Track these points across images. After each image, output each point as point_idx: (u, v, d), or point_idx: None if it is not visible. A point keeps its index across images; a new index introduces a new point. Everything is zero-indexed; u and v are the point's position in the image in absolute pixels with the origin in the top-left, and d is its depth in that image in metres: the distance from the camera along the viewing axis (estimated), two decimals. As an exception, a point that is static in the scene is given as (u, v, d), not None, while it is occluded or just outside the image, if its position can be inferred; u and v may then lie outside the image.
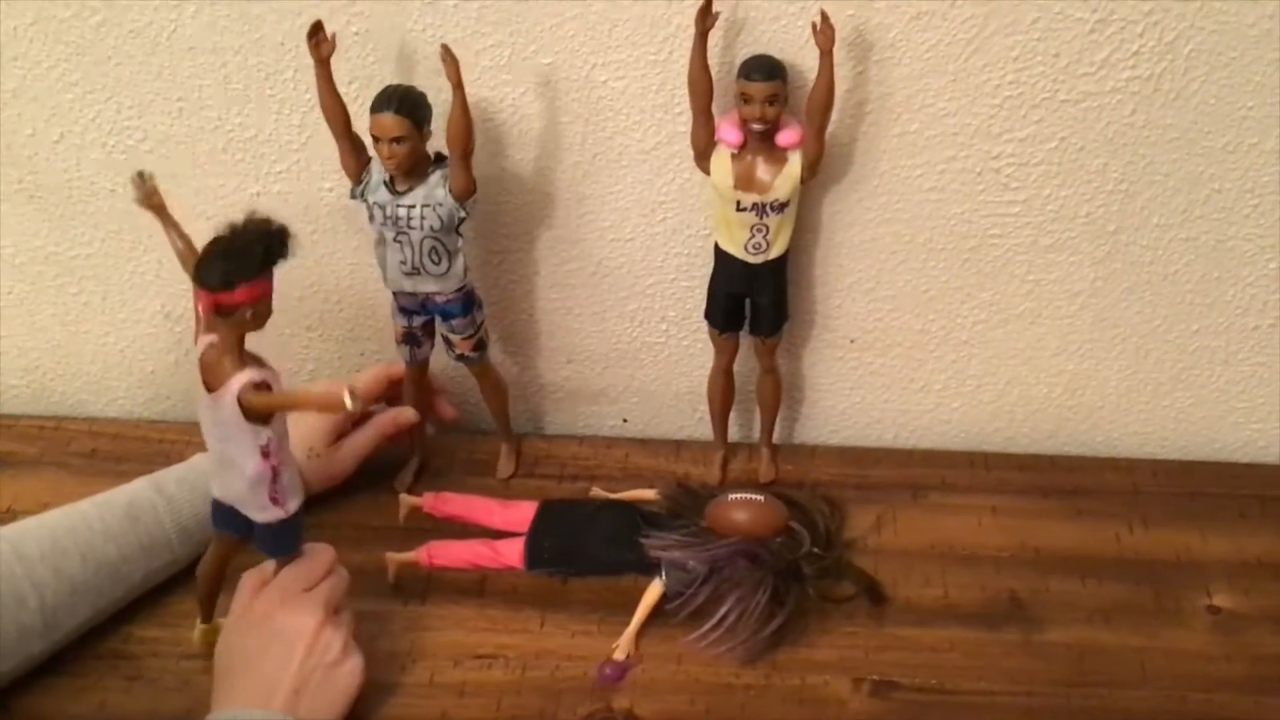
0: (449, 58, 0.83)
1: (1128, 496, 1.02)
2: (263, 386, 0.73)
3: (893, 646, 0.90)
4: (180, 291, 1.06)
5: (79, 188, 1.01)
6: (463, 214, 0.90)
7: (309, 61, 0.91)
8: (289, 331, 1.08)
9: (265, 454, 0.76)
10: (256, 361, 0.75)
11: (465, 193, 0.89)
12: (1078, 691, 0.87)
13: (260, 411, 0.73)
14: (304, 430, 0.95)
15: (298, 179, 0.99)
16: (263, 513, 0.79)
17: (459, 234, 0.91)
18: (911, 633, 0.91)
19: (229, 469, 0.77)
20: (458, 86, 0.85)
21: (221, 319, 0.72)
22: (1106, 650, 0.90)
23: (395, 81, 0.89)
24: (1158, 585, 0.95)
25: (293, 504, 0.79)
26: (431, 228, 0.89)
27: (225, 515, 0.81)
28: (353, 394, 0.68)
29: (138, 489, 0.91)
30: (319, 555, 0.85)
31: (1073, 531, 0.99)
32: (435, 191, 0.89)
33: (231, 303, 0.71)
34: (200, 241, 0.73)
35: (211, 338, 0.74)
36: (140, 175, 0.74)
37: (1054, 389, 1.07)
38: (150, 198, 0.75)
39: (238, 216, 0.72)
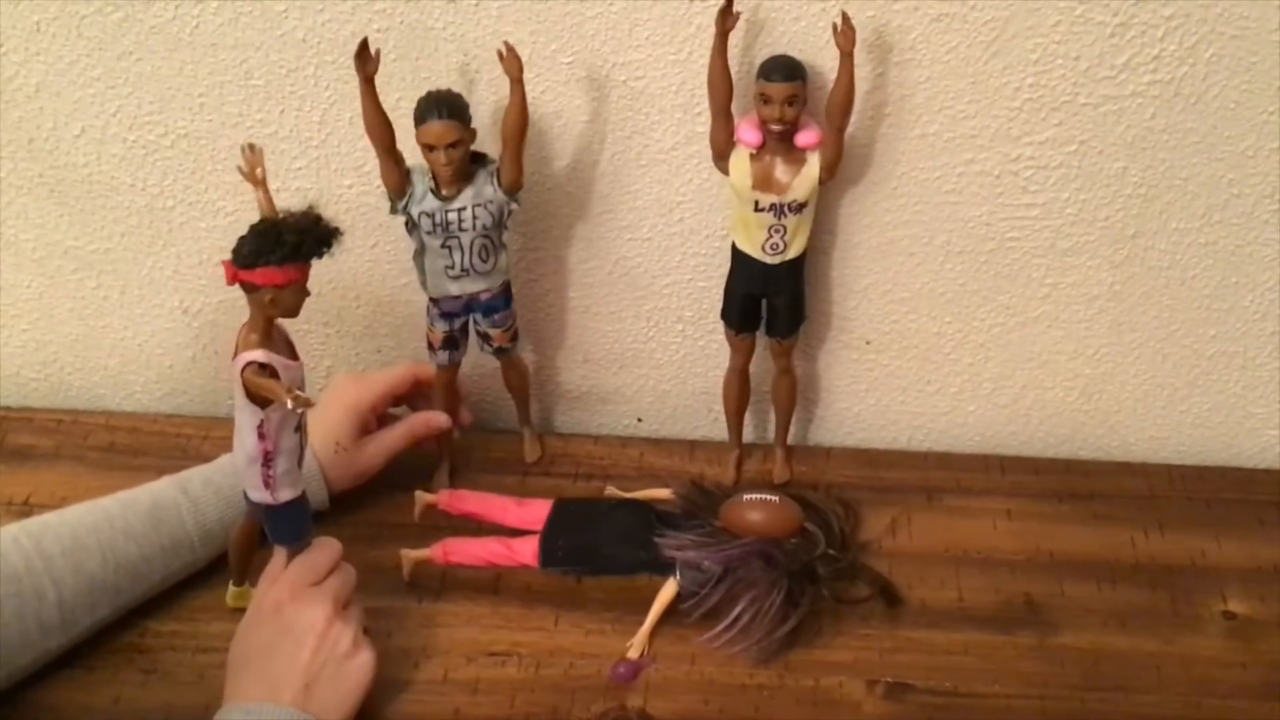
0: (511, 55, 0.85)
1: (1143, 501, 1.02)
2: (266, 369, 0.74)
3: (907, 649, 0.90)
4: (199, 287, 1.06)
5: (99, 182, 1.01)
6: (513, 206, 0.91)
7: (330, 58, 0.92)
8: (306, 326, 1.08)
9: (261, 435, 0.77)
10: (286, 347, 0.77)
11: (516, 185, 0.90)
12: (1092, 696, 0.87)
13: (254, 392, 0.75)
14: (329, 424, 0.95)
15: (317, 176, 0.99)
16: (254, 491, 0.80)
17: (506, 227, 0.92)
18: (926, 635, 0.91)
19: (237, 437, 0.78)
20: (517, 82, 0.86)
21: (246, 295, 0.73)
22: (1121, 655, 0.89)
23: (416, 78, 0.89)
24: (1173, 590, 0.94)
25: (283, 494, 0.80)
26: (484, 226, 0.90)
27: None
28: (290, 395, 0.71)
29: (162, 489, 0.91)
30: (324, 549, 0.85)
31: (1088, 536, 0.99)
32: (484, 190, 0.89)
33: (250, 281, 0.73)
34: None
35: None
36: (250, 148, 0.76)
37: (1070, 393, 1.06)
38: (254, 171, 0.76)
39: (299, 205, 0.74)
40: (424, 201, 0.89)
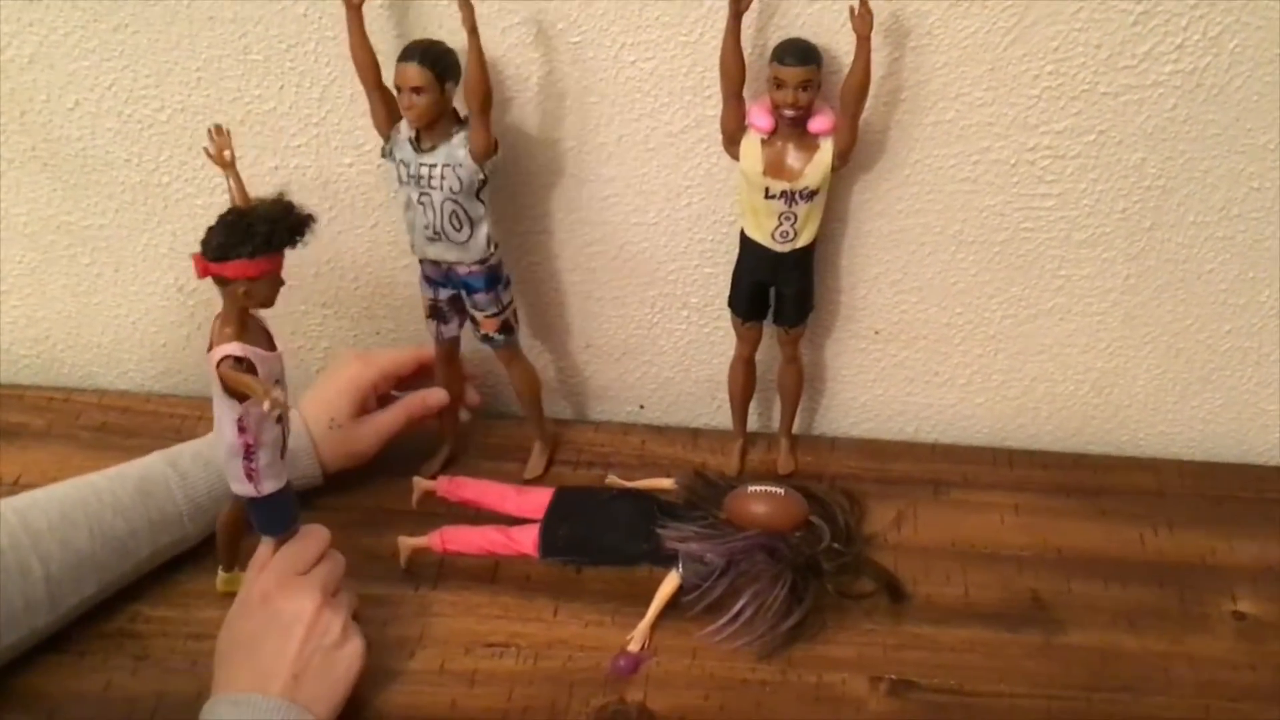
0: (465, 2, 0.82)
1: (1153, 498, 1.01)
2: (242, 363, 0.73)
3: (911, 645, 0.89)
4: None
5: (94, 157, 0.99)
6: (481, 176, 0.88)
7: (330, 34, 0.91)
8: (304, 308, 1.06)
9: (241, 429, 0.76)
10: (263, 338, 0.75)
11: (484, 152, 0.87)
12: (1099, 696, 0.86)
13: (232, 387, 0.73)
14: (325, 400, 0.94)
15: (316, 154, 0.97)
16: (237, 484, 0.79)
17: (481, 200, 0.89)
18: (931, 632, 0.90)
19: (217, 430, 0.77)
20: (472, 32, 0.83)
21: (219, 288, 0.72)
22: (1129, 655, 0.88)
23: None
24: (1182, 589, 0.93)
25: (268, 486, 0.79)
26: (451, 189, 0.88)
27: None
28: (269, 396, 0.70)
29: (151, 463, 0.90)
30: (312, 537, 0.84)
31: (1096, 532, 0.98)
32: (456, 152, 0.87)
33: (222, 274, 0.71)
34: None
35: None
36: (218, 129, 0.74)
37: (1081, 386, 1.05)
38: (221, 154, 0.74)
39: (270, 192, 0.72)
40: (403, 149, 0.88)
